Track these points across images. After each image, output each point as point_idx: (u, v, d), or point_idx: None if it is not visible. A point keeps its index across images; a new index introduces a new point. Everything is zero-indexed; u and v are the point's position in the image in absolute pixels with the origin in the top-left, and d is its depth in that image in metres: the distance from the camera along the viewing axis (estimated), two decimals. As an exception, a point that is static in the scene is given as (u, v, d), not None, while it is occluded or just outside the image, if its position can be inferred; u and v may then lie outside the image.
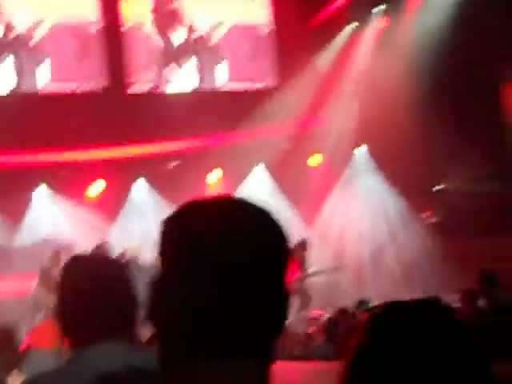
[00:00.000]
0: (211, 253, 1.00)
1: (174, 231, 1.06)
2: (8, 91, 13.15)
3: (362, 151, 14.71)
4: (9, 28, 13.16)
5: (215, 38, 14.31)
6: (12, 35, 13.18)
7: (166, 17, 14.08)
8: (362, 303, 8.29)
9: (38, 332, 4.81)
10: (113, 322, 1.82)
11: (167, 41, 14.11)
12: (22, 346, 5.35)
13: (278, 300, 1.03)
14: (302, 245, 11.89)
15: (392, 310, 1.18)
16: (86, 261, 1.99)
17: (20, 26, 13.23)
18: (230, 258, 0.99)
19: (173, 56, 14.09)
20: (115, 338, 1.78)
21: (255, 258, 1.01)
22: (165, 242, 1.06)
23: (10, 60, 13.15)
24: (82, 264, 1.95)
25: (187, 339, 1.00)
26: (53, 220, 13.49)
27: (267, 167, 14.30)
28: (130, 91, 13.84)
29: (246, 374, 0.99)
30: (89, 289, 1.81)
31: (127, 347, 1.79)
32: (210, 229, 1.02)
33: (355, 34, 14.31)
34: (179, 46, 14.13)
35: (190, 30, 14.21)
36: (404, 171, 12.99)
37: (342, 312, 7.36)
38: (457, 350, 1.13)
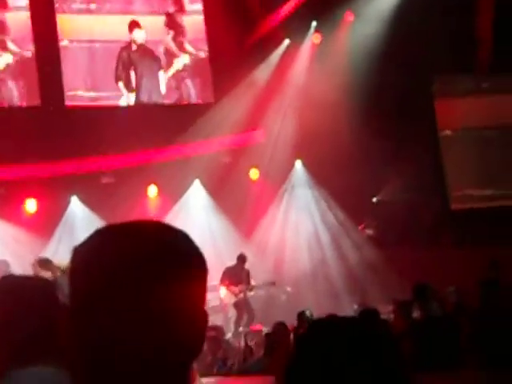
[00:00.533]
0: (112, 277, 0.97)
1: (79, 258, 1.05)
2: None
3: (299, 165, 14.85)
4: None
5: (155, 52, 14.31)
6: None
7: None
8: (301, 315, 8.33)
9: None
10: (37, 345, 1.80)
11: (107, 54, 14.03)
12: None
13: (194, 318, 1.01)
14: (240, 259, 11.98)
15: (315, 329, 1.19)
16: (8, 282, 1.94)
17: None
18: (129, 276, 0.97)
19: (124, 68, 14.02)
20: (42, 361, 1.76)
21: (162, 273, 0.99)
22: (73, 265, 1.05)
23: None
24: (5, 286, 1.92)
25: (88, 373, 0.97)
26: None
27: (205, 182, 14.28)
28: (67, 104, 13.65)
29: None
30: (11, 311, 1.78)
31: (53, 370, 1.76)
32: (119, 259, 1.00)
33: (290, 49, 14.50)
34: (119, 60, 14.05)
35: (132, 42, 14.17)
36: (341, 184, 13.17)
37: (280, 326, 7.38)
38: (371, 364, 1.15)
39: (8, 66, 13.27)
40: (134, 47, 14.19)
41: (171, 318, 0.97)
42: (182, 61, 14.47)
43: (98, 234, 1.07)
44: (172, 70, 14.39)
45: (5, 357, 1.78)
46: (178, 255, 1.03)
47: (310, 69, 14.01)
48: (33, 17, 13.43)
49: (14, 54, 13.33)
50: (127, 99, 14.11)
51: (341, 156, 12.76)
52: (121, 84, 14.05)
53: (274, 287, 12.56)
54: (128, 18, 14.22)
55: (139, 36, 14.20)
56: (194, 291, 1.02)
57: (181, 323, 0.98)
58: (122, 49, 14.11)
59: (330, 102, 12.69)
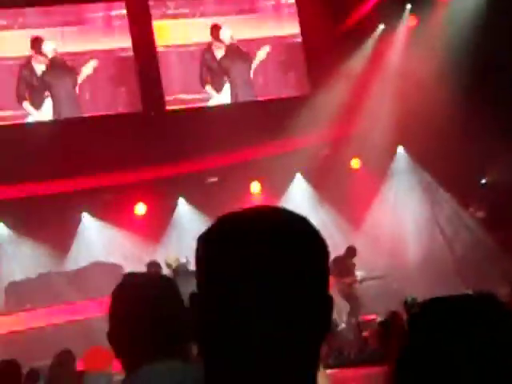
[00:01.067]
0: (252, 261, 0.99)
1: (211, 243, 1.06)
2: (50, 117, 13.35)
3: (401, 151, 14.59)
4: (53, 56, 13.38)
5: (249, 51, 14.38)
6: (53, 61, 13.38)
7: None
8: (405, 303, 8.16)
9: (91, 356, 4.95)
10: (164, 342, 1.84)
11: (202, 56, 14.24)
12: (78, 369, 5.46)
13: (320, 305, 1.02)
14: (350, 252, 11.87)
15: (429, 308, 1.15)
16: (134, 283, 1.99)
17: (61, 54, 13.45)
18: (269, 266, 0.98)
19: (209, 71, 14.20)
20: (167, 358, 1.80)
21: (295, 265, 1.00)
22: (203, 252, 1.06)
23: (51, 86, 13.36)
24: (130, 286, 1.97)
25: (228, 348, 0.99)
26: (99, 246, 13.68)
27: (306, 176, 14.27)
28: (167, 108, 13.94)
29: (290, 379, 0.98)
30: (138, 311, 1.83)
31: (179, 366, 1.80)
32: (248, 238, 1.01)
33: (385, 35, 14.21)
34: (215, 61, 14.23)
35: (226, 44, 14.30)
36: (446, 167, 12.83)
37: (393, 314, 7.26)
38: (499, 344, 1.09)
39: (108, 73, 13.64)
40: (220, 48, 14.25)
41: (307, 299, 0.99)
42: (269, 53, 14.44)
43: (225, 223, 1.09)
44: (264, 65, 14.40)
45: (133, 353, 1.82)
46: (308, 240, 1.04)
47: (407, 53, 13.68)
48: (131, 24, 13.80)
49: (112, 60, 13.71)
50: (217, 100, 14.21)
51: (444, 139, 12.41)
52: (208, 87, 14.18)
53: (382, 280, 12.40)
54: (217, 20, 14.34)
55: (225, 37, 14.29)
56: (325, 273, 1.04)
57: (315, 304, 1.00)
58: (204, 51, 14.21)
59: (429, 86, 12.37)
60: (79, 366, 5.61)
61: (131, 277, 2.12)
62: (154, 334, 1.80)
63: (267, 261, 0.98)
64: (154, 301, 1.89)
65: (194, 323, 1.04)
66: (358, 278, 11.76)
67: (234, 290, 0.98)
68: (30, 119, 13.32)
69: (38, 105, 13.30)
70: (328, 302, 1.03)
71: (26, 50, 13.38)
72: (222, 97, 14.25)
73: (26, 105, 13.25)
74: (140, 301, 1.86)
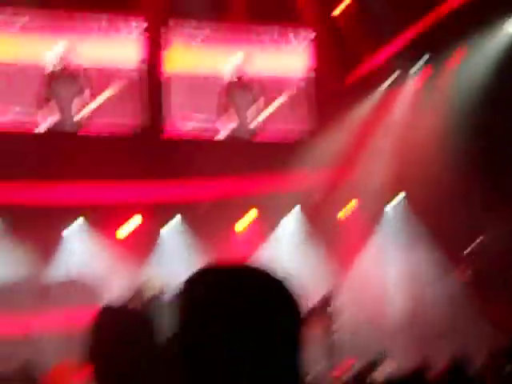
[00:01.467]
0: (219, 321, 1.03)
1: (187, 296, 1.11)
2: (47, 127, 13.35)
3: (396, 203, 14.64)
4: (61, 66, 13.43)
5: (254, 84, 14.45)
6: (62, 71, 13.43)
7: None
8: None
9: (57, 371, 4.91)
10: (138, 378, 1.85)
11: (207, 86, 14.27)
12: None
13: (291, 367, 1.05)
14: (326, 301, 11.73)
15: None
16: (111, 320, 1.98)
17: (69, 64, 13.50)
18: (236, 326, 1.03)
19: (211, 101, 14.24)
20: None
21: (265, 326, 1.04)
22: (181, 303, 1.11)
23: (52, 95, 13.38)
24: (108, 323, 1.96)
25: None
26: (85, 257, 13.61)
27: (301, 214, 14.29)
28: (168, 134, 13.96)
29: None
30: (116, 350, 1.83)
31: None
32: (220, 297, 1.06)
33: (396, 84, 14.34)
34: (219, 93, 14.28)
35: (236, 75, 14.36)
36: (440, 225, 12.86)
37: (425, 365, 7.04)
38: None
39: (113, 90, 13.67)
40: (232, 79, 14.30)
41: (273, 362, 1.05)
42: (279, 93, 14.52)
43: (208, 276, 1.14)
44: (269, 103, 14.45)
45: None
46: (284, 305, 1.09)
47: (413, 107, 13.80)
48: (144, 43, 13.85)
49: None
50: (228, 129, 14.25)
51: (439, 197, 12.46)
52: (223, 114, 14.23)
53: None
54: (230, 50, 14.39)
55: (237, 67, 14.36)
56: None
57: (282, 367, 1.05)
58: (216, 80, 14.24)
59: (433, 141, 12.45)
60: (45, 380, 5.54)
61: (108, 312, 2.10)
62: (131, 374, 1.80)
63: (241, 320, 1.02)
64: (132, 340, 1.89)
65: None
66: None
67: (203, 342, 1.03)
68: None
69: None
70: (295, 369, 1.05)
71: (37, 54, 13.41)
72: (222, 125, 14.26)
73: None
74: (117, 340, 1.88)
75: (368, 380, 7.04)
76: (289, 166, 13.31)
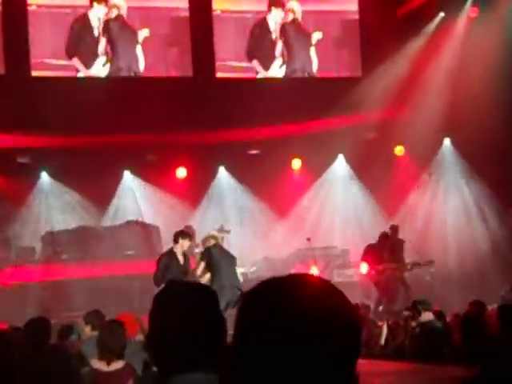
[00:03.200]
0: (285, 332, 1.08)
1: (251, 307, 1.14)
2: (103, 74, 13.43)
3: (447, 143, 14.44)
4: (110, 10, 13.38)
5: (305, 24, 14.21)
6: (111, 18, 13.40)
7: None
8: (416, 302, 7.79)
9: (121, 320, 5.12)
10: (201, 354, 1.83)
11: (253, 30, 14.09)
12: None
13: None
14: (383, 236, 11.65)
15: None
16: (176, 292, 2.01)
17: (120, 10, 13.43)
18: (302, 340, 1.08)
19: (258, 46, 14.08)
20: (203, 369, 1.82)
21: (326, 342, 1.09)
22: (243, 315, 1.15)
23: (104, 42, 13.40)
24: (173, 295, 1.97)
25: None
26: (138, 204, 13.86)
27: (348, 157, 14.21)
28: (218, 75, 13.90)
29: None
30: (179, 321, 1.85)
31: (215, 379, 1.83)
32: (286, 310, 1.10)
33: (444, 23, 13.92)
34: (267, 35, 14.09)
35: (284, 13, 14.12)
36: (489, 166, 12.66)
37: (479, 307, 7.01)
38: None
39: (159, 33, 13.62)
40: (279, 21, 14.07)
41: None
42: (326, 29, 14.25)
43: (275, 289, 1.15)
44: (319, 41, 14.20)
45: (171, 361, 1.86)
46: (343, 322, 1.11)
47: (464, 44, 13.41)
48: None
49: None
50: (280, 71, 14.09)
51: (492, 137, 12.21)
52: (255, 62, 14.02)
53: (429, 266, 12.07)
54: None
55: (290, 8, 14.13)
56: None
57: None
58: (257, 24, 14.01)
59: (484, 80, 12.15)
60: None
61: (174, 285, 2.17)
62: (193, 345, 1.83)
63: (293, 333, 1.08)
64: (195, 310, 1.89)
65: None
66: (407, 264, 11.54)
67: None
68: (80, 74, 13.42)
69: (89, 61, 13.33)
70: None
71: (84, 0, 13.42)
72: (269, 74, 14.13)
73: (76, 61, 13.30)
74: (181, 309, 1.88)
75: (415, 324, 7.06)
76: (337, 108, 13.15)
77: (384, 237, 11.67)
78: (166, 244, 11.98)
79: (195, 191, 13.71)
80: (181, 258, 8.66)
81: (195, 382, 1.80)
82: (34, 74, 13.09)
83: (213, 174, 14.22)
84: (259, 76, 14.12)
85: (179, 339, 1.85)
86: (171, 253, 8.72)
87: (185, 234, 8.97)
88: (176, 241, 8.69)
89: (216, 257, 8.76)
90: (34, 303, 10.62)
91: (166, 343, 1.86)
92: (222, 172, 14.25)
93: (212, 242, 8.99)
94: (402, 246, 11.71)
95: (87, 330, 5.70)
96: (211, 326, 1.90)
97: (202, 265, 8.79)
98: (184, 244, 8.68)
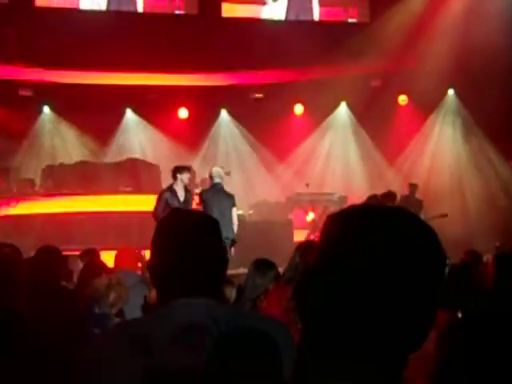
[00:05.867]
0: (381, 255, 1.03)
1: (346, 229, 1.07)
2: (104, 7, 13.26)
3: (451, 93, 14.37)
4: None
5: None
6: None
7: None
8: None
9: (121, 255, 5.21)
10: (202, 279, 1.86)
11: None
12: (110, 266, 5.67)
13: (423, 314, 1.06)
14: (413, 189, 11.39)
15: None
16: (181, 217, 2.03)
17: None
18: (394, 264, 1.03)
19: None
20: (203, 294, 1.84)
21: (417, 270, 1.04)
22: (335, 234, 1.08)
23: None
24: (177, 220, 1.98)
25: (329, 326, 1.04)
26: (138, 143, 13.86)
27: (351, 104, 14.16)
28: (224, 15, 13.70)
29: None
30: (182, 245, 1.87)
31: (214, 304, 1.86)
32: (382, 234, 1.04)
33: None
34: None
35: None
36: (490, 117, 12.62)
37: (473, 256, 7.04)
38: None
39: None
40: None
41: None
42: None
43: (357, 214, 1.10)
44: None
45: (171, 285, 1.89)
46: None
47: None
48: None
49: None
50: (272, 8, 13.87)
51: (492, 89, 12.13)
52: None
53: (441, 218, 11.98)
54: None
55: None
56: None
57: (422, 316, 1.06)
58: None
59: (496, 32, 11.98)
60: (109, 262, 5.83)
61: (178, 212, 2.19)
62: (194, 270, 1.85)
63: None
64: (198, 237, 1.89)
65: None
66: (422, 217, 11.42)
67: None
68: (82, 6, 13.24)
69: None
70: (427, 316, 1.06)
71: None
72: (277, 6, 13.90)
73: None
74: (184, 235, 1.89)
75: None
76: (341, 54, 13.03)
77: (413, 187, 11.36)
78: (165, 183, 12.05)
79: (196, 133, 13.68)
80: (181, 194, 8.49)
81: (195, 305, 1.82)
82: (38, 3, 12.94)
83: (214, 116, 14.17)
84: (266, 8, 13.90)
85: (181, 265, 1.87)
86: (171, 189, 8.54)
87: (182, 167, 8.73)
88: (174, 177, 8.51)
89: (210, 202, 8.44)
90: (32, 235, 10.68)
91: (168, 268, 1.87)
92: (224, 115, 14.20)
93: (217, 180, 8.72)
94: (421, 206, 11.10)
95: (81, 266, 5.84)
96: (214, 254, 1.92)
97: (199, 208, 8.59)
98: (183, 178, 8.47)
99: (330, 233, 1.09)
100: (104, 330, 3.45)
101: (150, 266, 1.95)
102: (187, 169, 8.83)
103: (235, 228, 8.56)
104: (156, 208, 8.41)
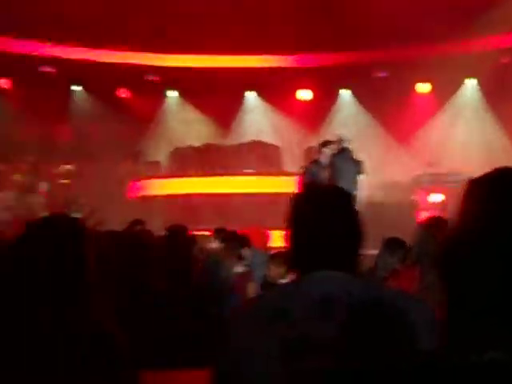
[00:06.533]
0: None
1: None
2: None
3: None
4: None
5: None
6: None
7: None
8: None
9: (252, 234, 5.33)
10: (338, 253, 1.86)
11: None
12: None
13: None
14: None
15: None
16: (316, 192, 2.04)
17: None
18: None
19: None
20: (339, 268, 1.84)
21: None
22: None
23: None
24: (313, 196, 2.00)
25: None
26: (259, 125, 13.96)
27: (481, 83, 13.60)
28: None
29: None
30: (319, 218, 1.88)
31: (350, 278, 1.86)
32: None
33: None
34: None
35: None
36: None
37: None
38: None
39: None
40: None
41: None
42: None
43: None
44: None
45: (307, 259, 1.90)
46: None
47: None
48: None
49: None
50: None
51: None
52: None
53: None
54: None
55: None
56: None
57: None
58: None
59: None
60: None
61: (314, 187, 2.20)
62: (331, 244, 1.86)
63: None
64: (334, 211, 1.90)
65: None
66: None
67: None
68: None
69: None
70: None
71: None
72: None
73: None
74: (321, 209, 1.90)
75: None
76: (470, 30, 12.52)
77: None
78: (286, 164, 12.11)
79: (318, 114, 13.60)
80: (326, 165, 8.70)
81: (331, 278, 1.83)
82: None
83: (336, 96, 14.02)
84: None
85: (318, 239, 1.88)
86: (317, 162, 8.76)
87: (327, 141, 8.95)
88: (320, 151, 8.71)
89: (339, 165, 8.63)
90: (160, 216, 11.00)
91: (305, 242, 1.89)
92: (346, 95, 14.04)
93: (346, 144, 8.82)
94: None
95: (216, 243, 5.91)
96: (350, 227, 1.92)
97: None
98: (326, 151, 8.67)
99: (476, 197, 1.05)
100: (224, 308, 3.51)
101: (288, 240, 1.97)
102: (330, 143, 9.03)
103: (361, 194, 8.64)
104: (301, 182, 8.62)
